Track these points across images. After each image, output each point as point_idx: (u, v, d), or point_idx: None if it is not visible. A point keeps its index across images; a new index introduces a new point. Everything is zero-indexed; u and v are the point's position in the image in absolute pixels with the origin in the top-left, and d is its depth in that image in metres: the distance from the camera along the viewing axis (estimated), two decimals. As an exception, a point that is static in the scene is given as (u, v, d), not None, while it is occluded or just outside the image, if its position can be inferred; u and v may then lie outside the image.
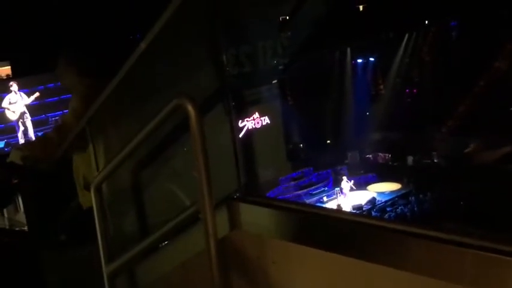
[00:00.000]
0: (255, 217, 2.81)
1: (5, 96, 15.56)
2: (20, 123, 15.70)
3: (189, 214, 2.88)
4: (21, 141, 15.43)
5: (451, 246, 2.05)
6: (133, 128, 3.13)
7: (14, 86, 15.52)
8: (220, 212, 2.88)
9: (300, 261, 2.64)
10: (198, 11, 3.09)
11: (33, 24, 13.59)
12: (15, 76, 15.76)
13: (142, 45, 3.04)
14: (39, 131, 15.36)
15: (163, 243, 3.24)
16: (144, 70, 3.33)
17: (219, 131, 3.14)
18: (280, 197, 15.62)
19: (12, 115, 15.63)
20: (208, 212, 2.65)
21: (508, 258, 1.89)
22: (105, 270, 3.34)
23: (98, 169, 3.67)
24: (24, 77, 15.75)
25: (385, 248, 2.31)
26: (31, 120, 15.84)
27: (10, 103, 15.55)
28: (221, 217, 2.87)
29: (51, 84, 15.50)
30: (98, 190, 3.30)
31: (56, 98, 15.34)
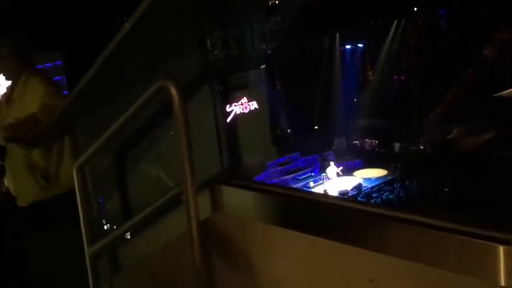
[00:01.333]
0: (237, 200, 2.81)
1: None
2: None
3: (171, 196, 2.88)
4: None
5: (434, 230, 2.06)
6: (117, 112, 3.12)
7: None
8: (203, 194, 2.89)
9: (281, 244, 2.65)
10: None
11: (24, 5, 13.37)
12: None
13: (127, 26, 3.02)
14: None
15: (146, 226, 3.24)
16: (129, 52, 3.32)
17: (205, 115, 3.13)
18: (267, 182, 15.64)
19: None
20: (190, 194, 2.65)
21: (490, 243, 1.90)
22: (87, 252, 3.34)
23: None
24: None
25: (366, 232, 2.32)
26: None
27: None
28: (204, 199, 2.88)
29: (49, 64, 14.75)
30: (81, 171, 3.29)
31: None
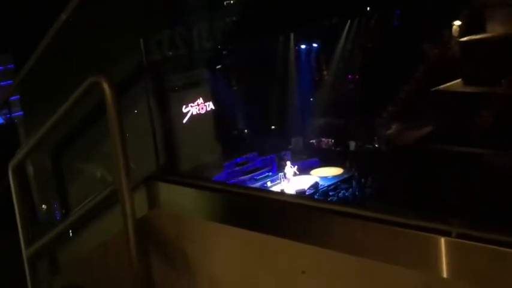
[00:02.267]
0: (174, 196, 2.79)
1: None
2: None
3: (107, 194, 2.84)
4: None
5: (374, 223, 2.05)
6: (52, 109, 3.06)
7: None
8: (140, 191, 2.85)
9: (217, 240, 2.65)
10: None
11: None
12: None
13: (63, 16, 2.98)
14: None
15: (85, 225, 3.18)
16: (66, 47, 3.27)
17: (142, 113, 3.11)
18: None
19: None
20: (125, 191, 2.61)
21: (432, 235, 1.89)
22: (25, 253, 3.26)
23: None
24: None
25: (306, 226, 2.32)
26: None
27: None
28: (141, 197, 2.84)
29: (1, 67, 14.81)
30: (16, 171, 3.22)
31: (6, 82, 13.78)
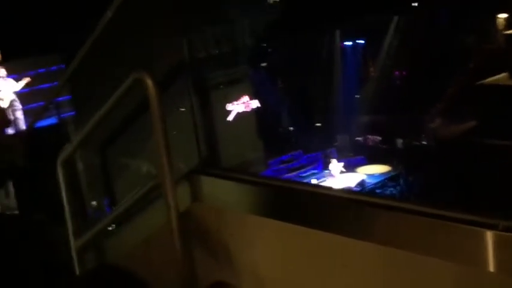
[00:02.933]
0: (216, 190, 2.83)
1: None
2: (10, 112, 13.76)
3: (152, 188, 2.90)
4: (11, 132, 13.36)
5: (418, 216, 2.03)
6: (99, 106, 3.14)
7: (1, 71, 13.83)
8: (183, 185, 2.90)
9: (259, 233, 2.67)
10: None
11: (21, 7, 13.01)
12: (5, 60, 14.07)
13: (108, 14, 3.06)
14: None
15: (130, 218, 3.26)
16: (111, 44, 3.35)
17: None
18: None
19: (1, 103, 13.76)
20: (168, 185, 2.67)
21: (478, 228, 1.87)
22: (73, 245, 3.37)
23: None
24: (12, 61, 14.13)
25: (348, 219, 2.31)
26: (22, 109, 14.01)
27: None
28: (183, 190, 2.89)
29: (43, 69, 14.29)
30: (64, 166, 3.32)
31: (48, 84, 13.53)
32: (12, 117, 13.86)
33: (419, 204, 2.11)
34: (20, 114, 14.01)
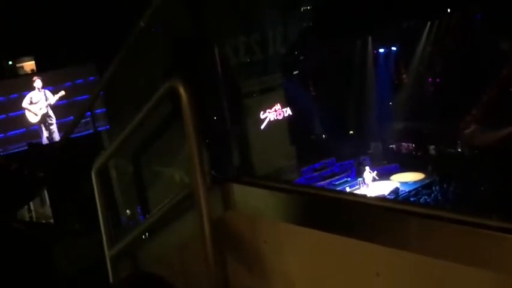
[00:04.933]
0: (249, 198, 2.83)
1: (26, 94, 13.25)
2: (43, 127, 13.44)
3: (184, 196, 2.92)
4: (46, 142, 13.39)
5: (455, 225, 2.00)
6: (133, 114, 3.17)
7: (37, 82, 13.27)
8: (216, 193, 2.91)
9: (292, 241, 2.66)
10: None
11: (58, 15, 12.56)
12: (40, 71, 13.66)
13: (141, 24, 3.10)
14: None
15: (161, 226, 3.28)
16: (144, 54, 3.39)
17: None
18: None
19: (33, 117, 13.31)
20: (201, 193, 2.68)
21: None
22: (108, 254, 3.40)
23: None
24: (49, 72, 13.58)
25: (381, 227, 2.29)
26: (57, 122, 13.49)
27: (31, 103, 13.29)
28: (216, 198, 2.90)
29: (80, 80, 13.63)
30: (99, 175, 3.35)
31: (86, 96, 11.81)
32: (46, 133, 13.54)
33: (455, 211, 2.07)
34: (54, 127, 13.63)
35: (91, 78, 13.90)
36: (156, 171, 3.58)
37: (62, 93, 13.42)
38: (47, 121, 13.39)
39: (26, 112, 13.19)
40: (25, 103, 13.20)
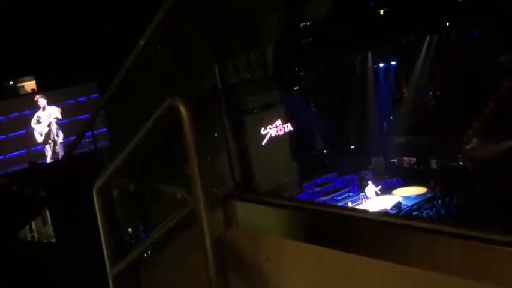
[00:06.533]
0: (251, 215, 2.82)
1: (27, 114, 13.40)
2: (47, 147, 13.58)
3: (186, 214, 2.91)
4: (48, 162, 13.31)
5: (457, 239, 1.99)
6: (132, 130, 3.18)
7: (41, 101, 13.45)
8: (217, 210, 2.90)
9: (295, 258, 2.65)
10: (197, 14, 3.14)
11: (57, 36, 12.87)
12: (41, 90, 13.93)
13: (141, 43, 3.11)
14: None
15: (163, 244, 3.27)
16: (144, 73, 3.40)
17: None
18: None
19: (38, 137, 13.39)
20: (203, 211, 2.66)
21: None
22: (110, 273, 3.38)
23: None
24: (51, 91, 13.80)
25: (384, 242, 2.28)
26: (62, 142, 13.51)
27: (38, 122, 13.44)
28: (218, 216, 2.89)
29: (83, 98, 13.84)
30: (100, 193, 3.35)
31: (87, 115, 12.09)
32: (50, 152, 13.63)
33: (458, 226, 2.06)
34: (58, 147, 13.72)
35: (94, 95, 14.09)
36: (158, 189, 3.57)
37: (59, 109, 13.54)
38: (53, 139, 13.54)
39: (34, 132, 13.31)
40: (34, 122, 13.40)
